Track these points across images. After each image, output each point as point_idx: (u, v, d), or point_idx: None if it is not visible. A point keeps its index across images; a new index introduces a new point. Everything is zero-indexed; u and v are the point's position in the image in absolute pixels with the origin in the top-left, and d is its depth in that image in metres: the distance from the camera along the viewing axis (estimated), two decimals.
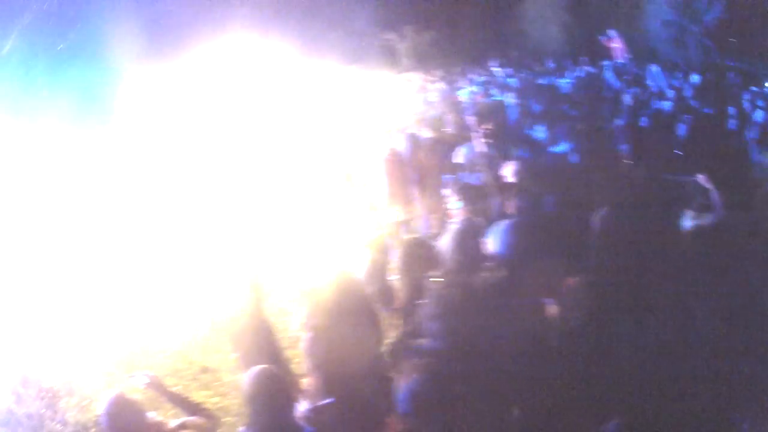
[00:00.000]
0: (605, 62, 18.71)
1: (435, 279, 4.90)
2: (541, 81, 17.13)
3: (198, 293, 9.05)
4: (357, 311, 5.13)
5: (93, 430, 8.13)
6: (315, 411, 4.38)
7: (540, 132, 9.98)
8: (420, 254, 5.51)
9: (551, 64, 20.69)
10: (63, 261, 9.87)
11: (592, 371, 4.13)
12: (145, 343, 9.38)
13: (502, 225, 5.16)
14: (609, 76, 16.59)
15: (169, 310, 9.59)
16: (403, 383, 3.83)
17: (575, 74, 17.76)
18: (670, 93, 14.06)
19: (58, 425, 8.36)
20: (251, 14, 20.86)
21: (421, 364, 3.88)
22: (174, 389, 5.67)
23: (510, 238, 5.00)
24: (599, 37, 20.68)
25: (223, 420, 6.26)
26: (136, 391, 5.20)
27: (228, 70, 16.61)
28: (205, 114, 14.54)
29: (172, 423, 4.82)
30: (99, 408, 4.68)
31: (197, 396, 7.40)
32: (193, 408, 5.17)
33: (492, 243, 5.12)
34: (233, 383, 7.82)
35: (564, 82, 16.47)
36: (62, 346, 9.48)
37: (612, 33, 20.58)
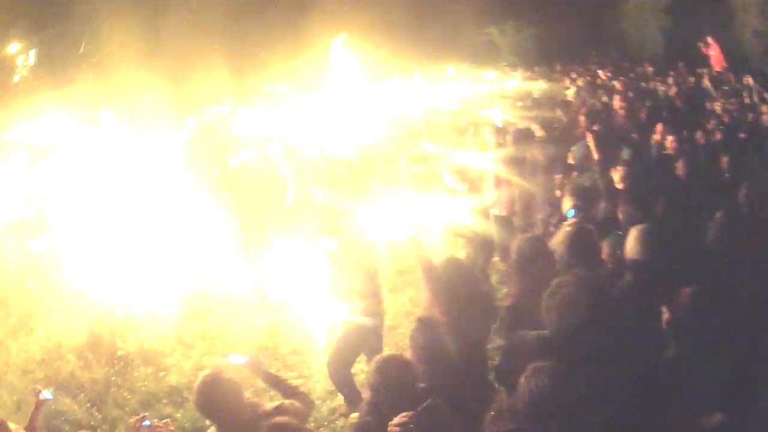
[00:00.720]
0: (703, 70, 18.19)
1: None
2: (644, 86, 16.68)
3: (293, 273, 9.00)
4: (474, 303, 4.94)
5: (165, 401, 8.08)
6: (416, 416, 4.10)
7: (646, 138, 9.74)
8: (535, 252, 5.33)
9: (650, 68, 20.11)
10: (154, 232, 9.92)
11: (699, 372, 4.06)
12: (234, 319, 9.36)
13: (636, 230, 5.15)
14: (708, 85, 16.11)
15: (262, 289, 9.54)
16: (523, 383, 3.66)
17: (676, 81, 17.17)
18: (763, 106, 13.52)
19: (126, 393, 8.32)
20: (351, 9, 21.08)
21: (541, 367, 3.68)
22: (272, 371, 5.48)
23: (643, 243, 5.02)
24: (697, 44, 20.05)
25: None
26: (234, 370, 5.05)
27: (332, 65, 16.94)
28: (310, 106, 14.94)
29: (269, 405, 4.65)
30: (195, 384, 4.50)
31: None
32: (289, 391, 5.02)
33: (625, 246, 5.14)
34: (320, 366, 7.70)
35: (664, 88, 15.98)
36: (144, 317, 9.52)
37: (709, 40, 19.92)
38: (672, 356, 4.28)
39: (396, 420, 3.90)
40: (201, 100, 17.61)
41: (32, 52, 18.24)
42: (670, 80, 17.13)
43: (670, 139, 9.50)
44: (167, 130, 14.84)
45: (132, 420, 4.68)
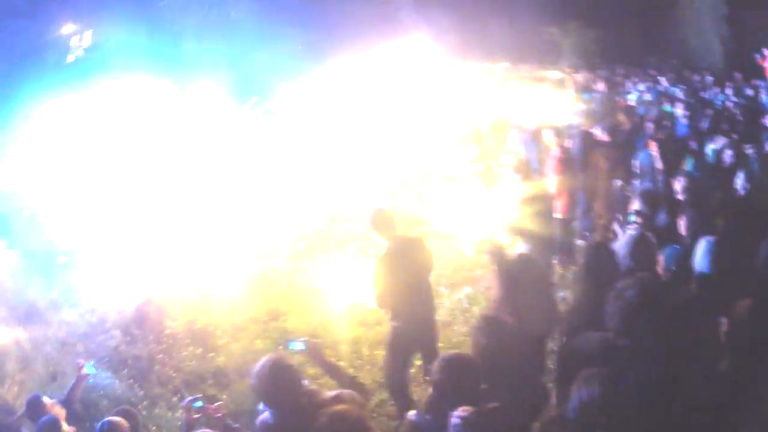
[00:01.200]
0: (760, 82, 17.88)
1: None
2: (704, 95, 16.43)
3: (348, 264, 8.98)
4: (542, 299, 4.91)
5: (210, 381, 8.04)
6: (480, 414, 4.04)
7: (708, 150, 9.56)
8: (602, 258, 5.30)
9: (709, 78, 19.80)
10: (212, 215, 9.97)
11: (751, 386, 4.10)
12: (287, 306, 9.39)
13: (705, 242, 5.11)
14: (765, 99, 15.84)
15: (318, 279, 9.54)
16: (574, 390, 3.64)
17: (735, 93, 16.89)
18: None
19: (171, 371, 8.31)
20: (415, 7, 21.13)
21: (592, 374, 3.66)
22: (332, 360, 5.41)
23: (712, 257, 5.00)
24: (754, 55, 19.73)
25: None
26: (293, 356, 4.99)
27: (395, 63, 17.07)
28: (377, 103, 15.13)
29: (327, 393, 4.54)
30: (254, 369, 4.33)
31: None
32: (347, 381, 4.92)
33: (695, 258, 5.09)
34: (371, 358, 7.71)
35: (722, 99, 15.71)
36: (196, 297, 9.55)
37: (766, 52, 19.57)
38: (726, 368, 4.31)
39: (459, 412, 3.83)
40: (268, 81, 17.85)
41: (88, 33, 18.39)
42: (729, 91, 16.86)
43: (728, 153, 9.34)
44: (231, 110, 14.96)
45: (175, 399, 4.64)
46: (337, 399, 4.41)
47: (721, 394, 4.02)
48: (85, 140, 13.25)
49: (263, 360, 4.35)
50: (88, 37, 18.12)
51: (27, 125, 13.38)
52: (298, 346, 4.89)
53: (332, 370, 5.03)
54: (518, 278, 4.98)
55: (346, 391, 4.58)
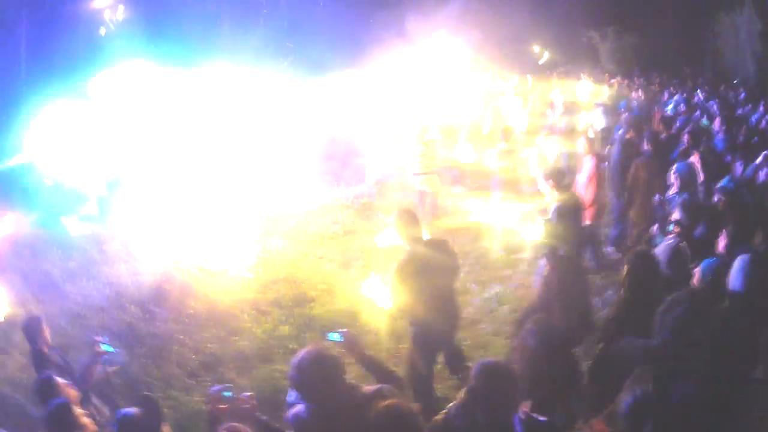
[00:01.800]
0: None
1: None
2: (739, 111, 16.33)
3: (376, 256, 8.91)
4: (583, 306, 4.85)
5: (230, 365, 7.91)
6: (530, 420, 3.97)
7: (742, 165, 9.49)
8: (648, 266, 5.27)
9: (743, 93, 19.70)
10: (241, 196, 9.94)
11: None
12: (312, 293, 9.32)
13: (740, 261, 4.96)
14: None
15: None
16: (628, 387, 3.66)
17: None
18: None
19: (189, 352, 8.19)
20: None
21: (646, 373, 3.68)
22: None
23: (745, 275, 4.86)
24: None
25: None
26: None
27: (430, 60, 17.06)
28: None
29: (367, 388, 4.30)
30: (295, 360, 4.12)
31: None
32: (385, 374, 4.73)
33: (732, 273, 4.96)
34: (397, 350, 7.57)
35: (757, 117, 15.61)
36: (220, 278, 9.48)
37: None
38: (761, 376, 4.31)
39: (526, 410, 3.91)
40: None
41: (121, 7, 18.39)
42: (762, 108, 16.77)
43: (764, 171, 9.25)
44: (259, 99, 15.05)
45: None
46: (378, 394, 4.27)
47: (758, 399, 4.00)
48: (111, 113, 13.27)
49: (305, 351, 4.15)
50: (121, 11, 18.12)
51: (56, 97, 13.37)
52: (335, 337, 4.74)
53: (370, 363, 4.88)
54: (567, 282, 4.92)
55: (386, 386, 4.43)
